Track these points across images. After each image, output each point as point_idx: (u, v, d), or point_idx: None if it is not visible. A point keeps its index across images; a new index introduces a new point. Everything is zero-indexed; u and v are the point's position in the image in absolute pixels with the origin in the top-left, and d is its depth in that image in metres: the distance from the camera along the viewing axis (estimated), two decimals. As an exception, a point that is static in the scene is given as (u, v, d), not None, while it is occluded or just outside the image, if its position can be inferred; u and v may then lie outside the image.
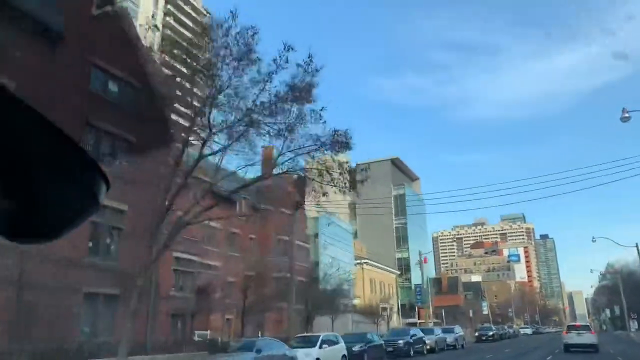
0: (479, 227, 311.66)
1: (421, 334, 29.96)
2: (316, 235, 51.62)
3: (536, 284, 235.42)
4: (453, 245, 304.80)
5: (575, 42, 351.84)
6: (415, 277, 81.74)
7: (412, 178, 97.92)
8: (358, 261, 65.20)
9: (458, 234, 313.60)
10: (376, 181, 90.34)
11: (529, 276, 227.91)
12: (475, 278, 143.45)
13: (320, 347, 20.13)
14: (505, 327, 57.06)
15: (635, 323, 75.30)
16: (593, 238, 55.43)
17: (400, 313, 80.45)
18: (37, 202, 1.02)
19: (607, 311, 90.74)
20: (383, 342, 25.71)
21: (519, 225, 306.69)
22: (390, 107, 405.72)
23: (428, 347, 29.70)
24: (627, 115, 25.48)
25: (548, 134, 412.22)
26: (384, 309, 67.18)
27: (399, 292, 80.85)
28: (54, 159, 1.00)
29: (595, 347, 27.74)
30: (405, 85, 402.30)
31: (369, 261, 66.88)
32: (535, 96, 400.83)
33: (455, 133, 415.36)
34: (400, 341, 26.85)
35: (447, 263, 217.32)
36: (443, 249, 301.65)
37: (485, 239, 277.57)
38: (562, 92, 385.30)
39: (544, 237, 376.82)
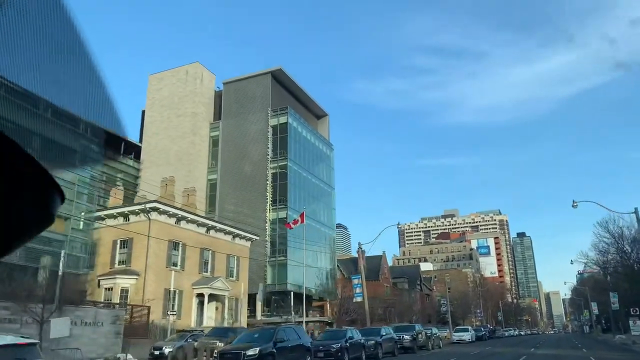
0: (449, 219, 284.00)
1: None
2: None
3: (508, 279, 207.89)
4: (420, 238, 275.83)
5: (556, 46, 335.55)
6: (295, 252, 51.62)
7: (315, 114, 67.71)
8: (137, 207, 34.83)
9: (426, 227, 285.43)
10: (249, 104, 60.14)
11: (499, 270, 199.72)
12: (428, 267, 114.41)
13: None
14: (349, 334, 24.62)
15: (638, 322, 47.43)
16: (574, 202, 33.61)
17: (270, 304, 50.54)
18: None
19: (594, 305, 61.61)
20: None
21: (491, 217, 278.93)
22: (374, 111, 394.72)
23: None
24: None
25: (528, 139, 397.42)
26: (200, 294, 37.39)
27: (268, 272, 50.69)
28: (6, 172, 0.92)
29: None
30: (388, 89, 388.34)
31: (173, 210, 36.44)
32: (516, 101, 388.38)
33: (437, 138, 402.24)
34: None
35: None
36: (410, 243, 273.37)
37: (454, 231, 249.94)
38: (542, 98, 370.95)
39: (521, 235, 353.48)
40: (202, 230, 39.39)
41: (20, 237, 1.03)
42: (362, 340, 21.97)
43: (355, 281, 40.81)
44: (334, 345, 19.56)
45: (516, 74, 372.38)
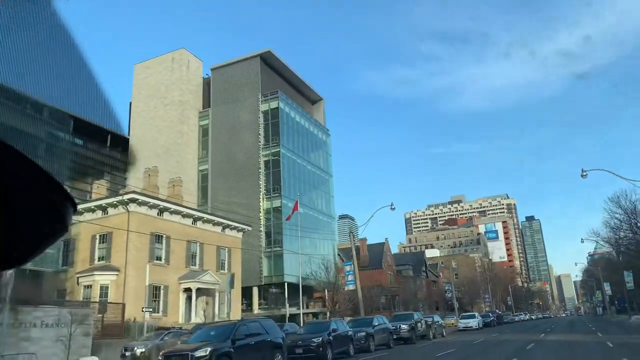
0: (455, 205, 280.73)
1: None
2: None
3: (518, 264, 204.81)
4: (427, 225, 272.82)
5: (560, 27, 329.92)
6: (292, 242, 49.40)
7: (310, 98, 65.21)
8: (115, 199, 32.71)
9: (432, 214, 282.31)
10: (238, 90, 57.74)
11: (508, 255, 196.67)
12: (434, 253, 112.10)
13: None
14: (333, 325, 21.52)
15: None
16: (583, 170, 31.23)
17: (267, 297, 48.53)
18: (6, 228, 0.97)
19: (607, 285, 59.08)
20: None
21: (499, 202, 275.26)
22: (380, 100, 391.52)
23: None
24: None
25: (533, 122, 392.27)
26: (187, 289, 35.32)
27: (263, 263, 48.60)
28: (21, 184, 0.94)
29: None
30: (393, 77, 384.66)
31: (154, 201, 34.25)
32: (520, 84, 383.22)
33: (442, 125, 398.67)
34: None
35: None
36: (417, 230, 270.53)
37: (462, 216, 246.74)
38: (546, 80, 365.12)
39: (530, 218, 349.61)
40: (188, 221, 37.22)
41: (36, 248, 1.06)
42: (350, 333, 19.72)
43: (348, 268, 38.33)
44: (314, 340, 17.31)
45: (519, 56, 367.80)
